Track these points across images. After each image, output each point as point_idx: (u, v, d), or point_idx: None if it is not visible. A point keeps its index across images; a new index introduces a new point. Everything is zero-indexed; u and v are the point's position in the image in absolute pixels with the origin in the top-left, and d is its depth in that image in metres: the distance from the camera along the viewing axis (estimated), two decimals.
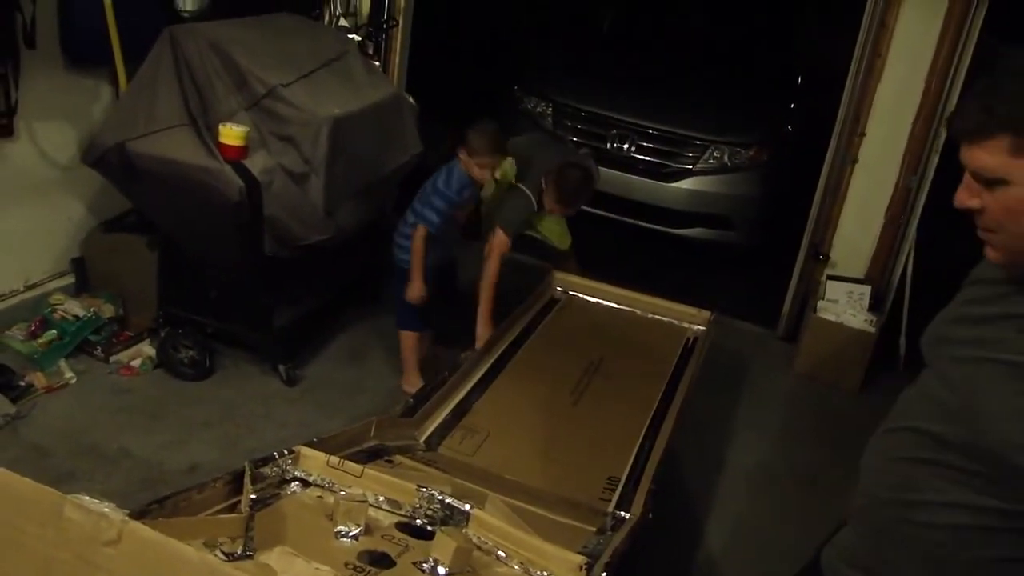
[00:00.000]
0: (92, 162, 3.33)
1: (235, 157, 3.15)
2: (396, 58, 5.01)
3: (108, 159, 3.23)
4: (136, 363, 3.64)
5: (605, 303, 3.95)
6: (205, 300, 3.60)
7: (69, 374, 3.52)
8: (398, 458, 2.56)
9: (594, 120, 5.62)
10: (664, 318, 3.85)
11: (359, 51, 4.07)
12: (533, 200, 3.81)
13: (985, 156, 1.26)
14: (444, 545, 1.88)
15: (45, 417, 3.30)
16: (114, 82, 3.62)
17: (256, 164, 3.19)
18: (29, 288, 3.74)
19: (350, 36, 4.25)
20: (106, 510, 1.05)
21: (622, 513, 2.51)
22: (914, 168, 4.42)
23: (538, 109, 5.80)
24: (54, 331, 3.60)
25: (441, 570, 1.84)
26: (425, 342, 3.98)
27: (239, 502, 1.95)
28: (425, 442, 2.79)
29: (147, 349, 3.71)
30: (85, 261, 3.88)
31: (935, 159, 4.37)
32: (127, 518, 1.07)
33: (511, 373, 3.29)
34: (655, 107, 5.57)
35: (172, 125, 3.16)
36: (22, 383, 3.36)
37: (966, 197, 1.32)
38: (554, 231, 4.29)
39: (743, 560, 3.19)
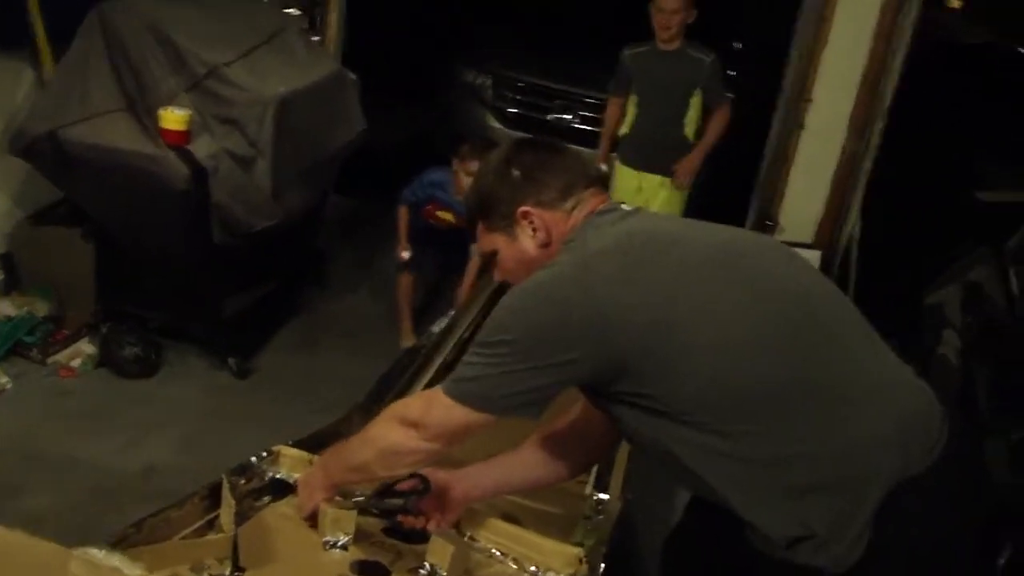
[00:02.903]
0: (20, 151, 3.11)
1: (178, 142, 2.98)
2: (332, 32, 4.83)
3: (39, 148, 3.02)
4: (76, 363, 3.45)
5: None
6: (147, 293, 3.42)
7: (4, 379, 3.30)
8: None
9: (535, 91, 5.53)
10: None
11: (298, 26, 3.89)
12: None
13: (481, 241, 1.72)
14: (441, 549, 1.80)
15: None
16: (37, 64, 3.38)
17: (200, 149, 3.02)
18: None
19: (287, 11, 4.06)
20: (117, 563, 0.94)
21: (601, 495, 2.46)
22: (860, 133, 4.44)
23: (477, 82, 5.67)
24: None
25: (440, 574, 1.77)
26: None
27: (218, 516, 1.84)
28: None
29: (87, 348, 3.51)
30: (13, 256, 3.63)
31: (881, 124, 4.40)
32: (144, 573, 0.96)
33: None
34: (596, 75, 5.48)
35: (109, 110, 2.98)
36: None
37: (496, 275, 1.77)
38: None
39: None
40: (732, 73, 5.86)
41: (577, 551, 1.90)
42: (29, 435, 3.09)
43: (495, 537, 1.95)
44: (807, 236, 4.70)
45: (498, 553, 1.93)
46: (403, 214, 3.95)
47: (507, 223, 1.65)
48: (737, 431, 1.47)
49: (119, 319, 3.46)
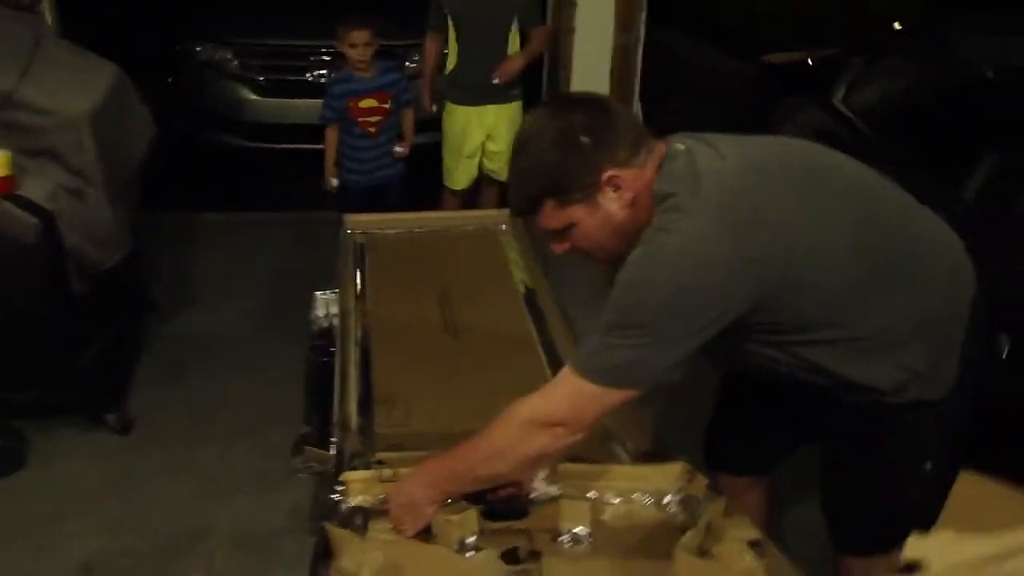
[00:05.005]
0: None
1: (7, 190, 2.50)
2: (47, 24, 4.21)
3: None
4: None
5: (407, 232, 3.76)
6: None
7: None
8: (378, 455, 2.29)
9: (286, 53, 5.20)
10: (471, 227, 3.76)
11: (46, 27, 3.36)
12: None
13: (547, 220, 1.62)
14: (576, 511, 1.76)
15: None
16: None
17: (35, 192, 2.56)
18: None
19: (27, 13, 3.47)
20: None
21: None
22: (627, 27, 4.68)
23: (217, 56, 5.25)
24: None
25: (583, 535, 1.74)
26: None
27: None
28: (359, 431, 2.52)
29: None
30: None
31: (643, 16, 4.66)
32: None
33: (377, 335, 3.05)
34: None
35: None
36: None
37: (560, 248, 1.69)
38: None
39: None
40: None
41: (680, 465, 1.89)
42: None
43: (584, 481, 1.91)
44: None
45: (593, 495, 1.89)
46: (331, 135, 3.95)
47: (587, 193, 1.58)
48: (846, 319, 1.60)
49: None
